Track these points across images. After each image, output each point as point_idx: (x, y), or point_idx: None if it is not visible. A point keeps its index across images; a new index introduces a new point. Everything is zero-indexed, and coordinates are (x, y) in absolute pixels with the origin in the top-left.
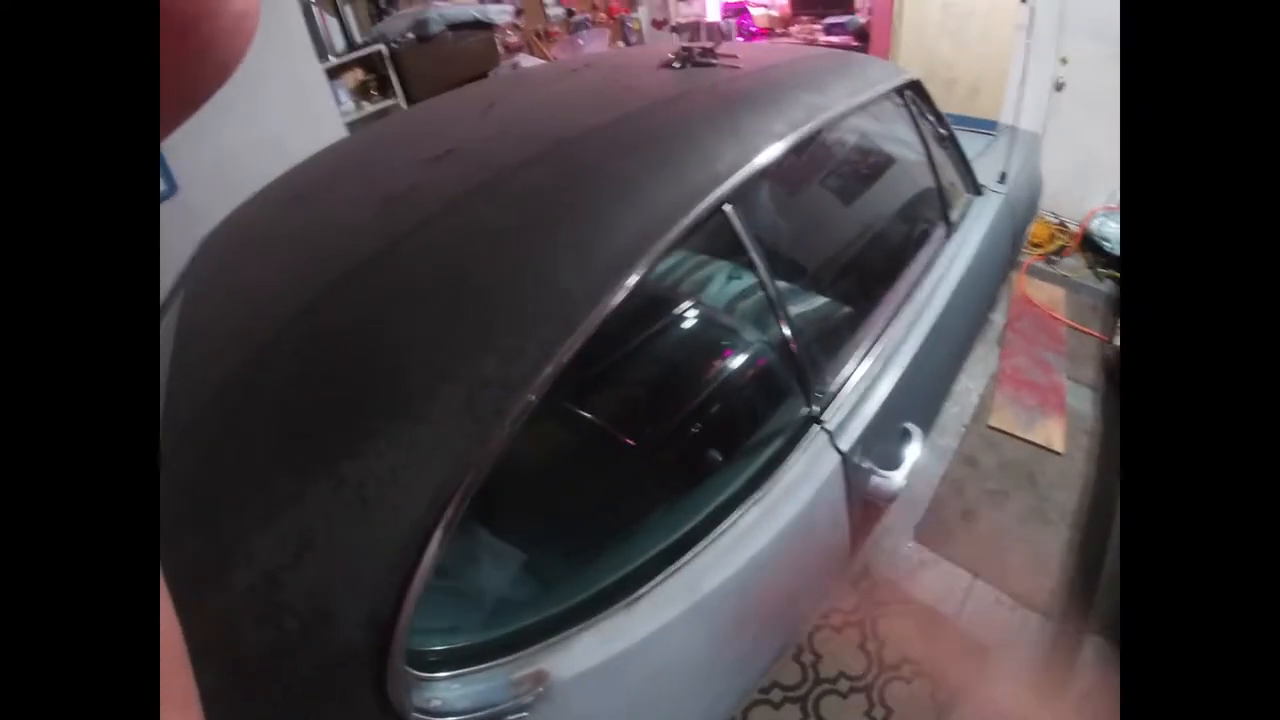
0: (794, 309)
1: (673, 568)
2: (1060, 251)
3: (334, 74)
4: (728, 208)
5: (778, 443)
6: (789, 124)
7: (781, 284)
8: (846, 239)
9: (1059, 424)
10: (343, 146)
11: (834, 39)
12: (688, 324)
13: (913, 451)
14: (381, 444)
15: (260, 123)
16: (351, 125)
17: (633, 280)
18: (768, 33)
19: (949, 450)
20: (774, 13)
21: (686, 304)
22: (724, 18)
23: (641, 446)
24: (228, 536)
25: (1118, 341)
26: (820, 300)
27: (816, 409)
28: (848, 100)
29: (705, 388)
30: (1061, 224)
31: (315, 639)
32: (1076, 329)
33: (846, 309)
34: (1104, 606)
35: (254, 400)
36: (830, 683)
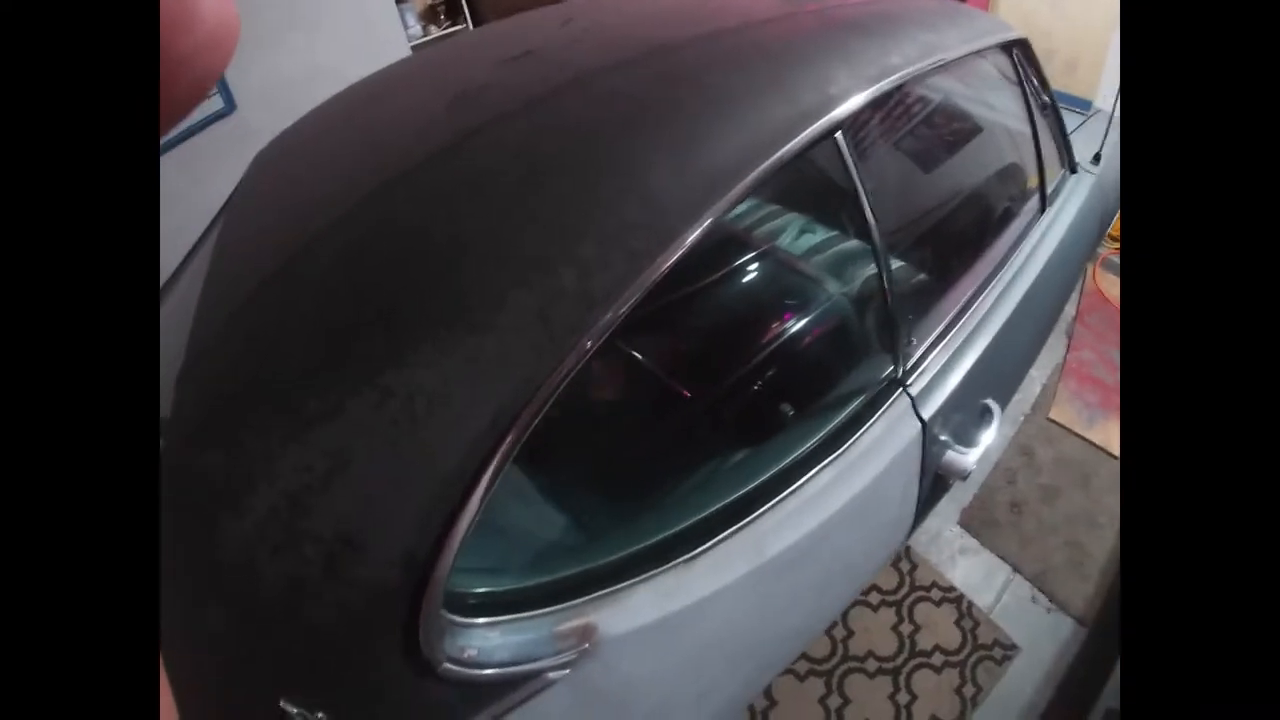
0: (894, 266)
1: (738, 525)
2: None
3: None
4: (839, 136)
5: (859, 402)
6: (904, 58)
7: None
8: (941, 198)
9: (1118, 427)
10: (407, 61)
11: None
12: (770, 269)
13: (990, 430)
14: (435, 353)
15: (322, 45)
16: (418, 49)
17: (734, 200)
18: None
19: (1006, 437)
20: None
21: (769, 248)
22: None
23: (712, 393)
24: (251, 453)
25: None
26: (912, 259)
27: (901, 371)
28: (962, 45)
29: (783, 338)
30: None
31: (340, 574)
32: None
33: (937, 272)
34: None
35: (293, 300)
36: (859, 661)
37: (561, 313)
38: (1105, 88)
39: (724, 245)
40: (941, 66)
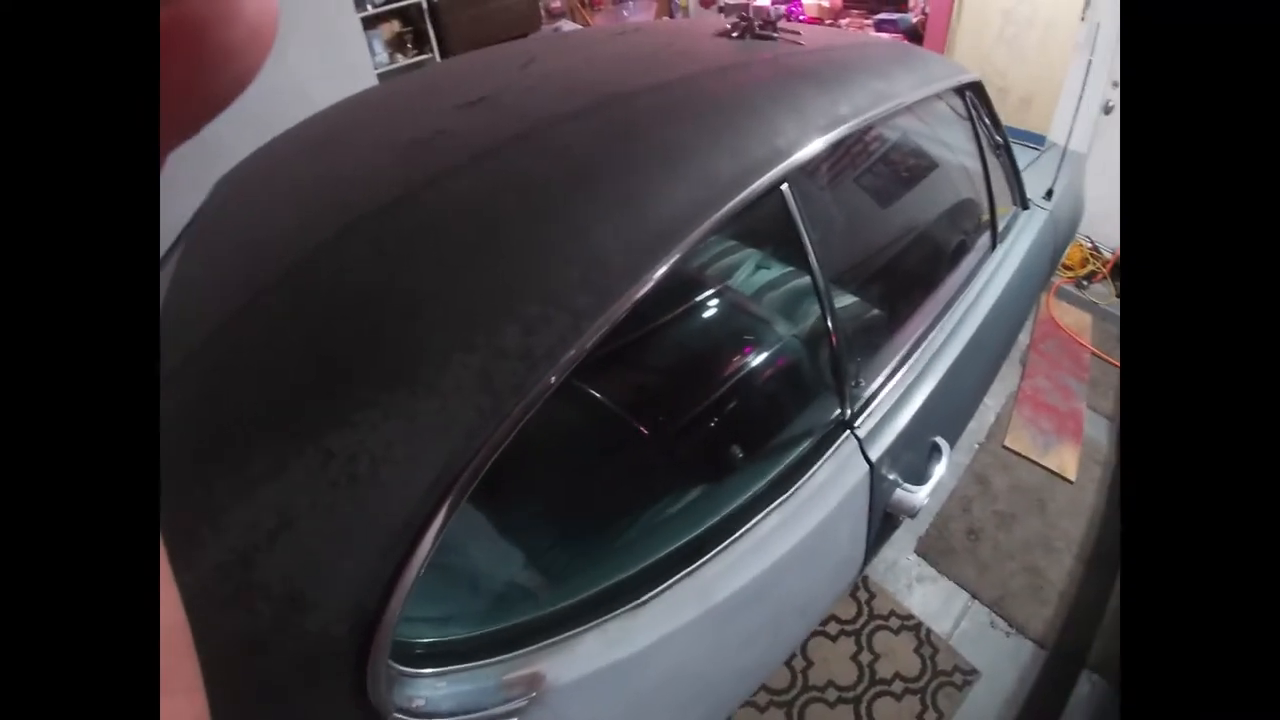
0: (839, 310)
1: (685, 571)
2: (1091, 277)
3: (371, 24)
4: (785, 187)
5: (806, 445)
6: (854, 108)
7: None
8: (891, 239)
9: (1074, 452)
10: (369, 93)
11: (884, 36)
12: (721, 310)
13: (939, 467)
14: (378, 415)
15: (289, 68)
16: (384, 77)
17: (678, 256)
18: (818, 23)
19: (961, 466)
20: (825, 3)
21: (721, 288)
22: (774, 3)
23: (660, 436)
24: (199, 508)
25: None
26: (860, 300)
27: (849, 413)
28: (913, 92)
29: (733, 379)
30: (1095, 249)
31: (289, 628)
32: (1101, 357)
33: (886, 312)
34: (1104, 643)
35: (239, 356)
36: (819, 691)
37: (504, 373)
38: (1059, 123)
39: (675, 285)
40: (894, 111)
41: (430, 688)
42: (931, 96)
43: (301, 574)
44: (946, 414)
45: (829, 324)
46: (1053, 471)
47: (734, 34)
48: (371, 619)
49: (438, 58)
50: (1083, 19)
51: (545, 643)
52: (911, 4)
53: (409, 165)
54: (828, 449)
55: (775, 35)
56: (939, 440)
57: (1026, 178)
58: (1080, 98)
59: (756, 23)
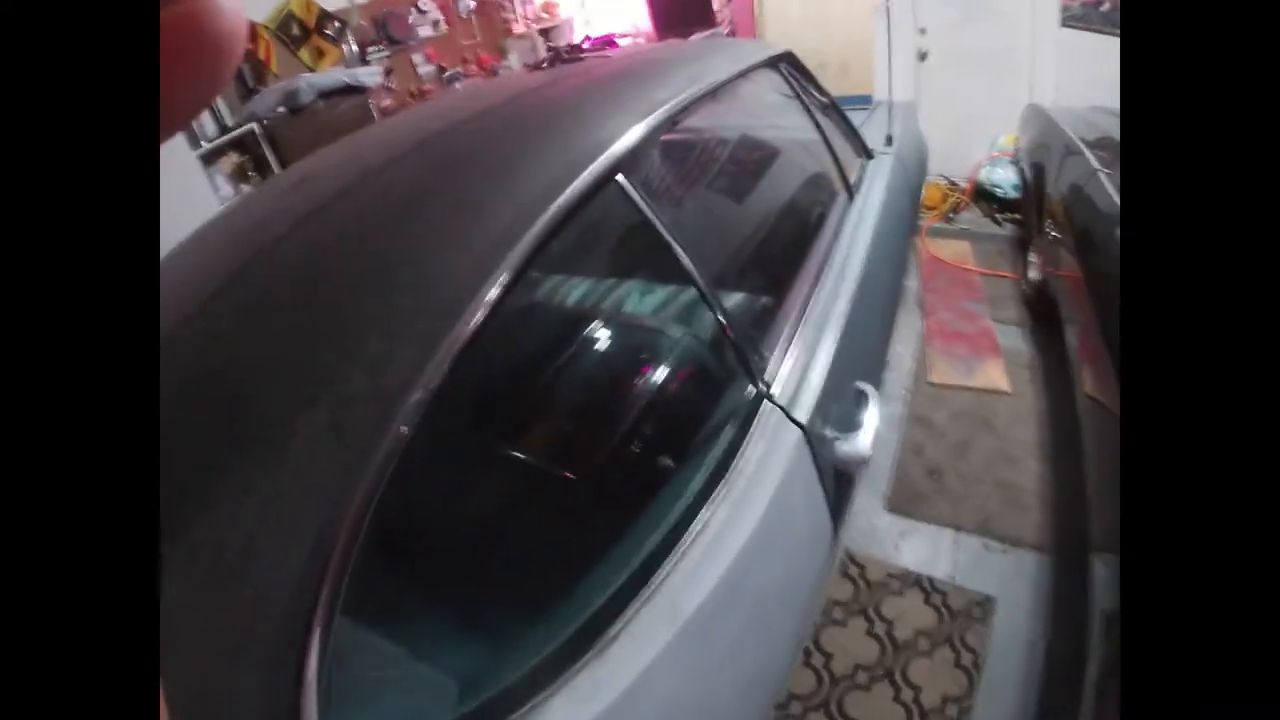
0: (718, 291)
1: (644, 595)
2: (956, 209)
3: (209, 160)
4: (621, 178)
5: (731, 430)
6: (672, 90)
7: (697, 270)
8: (752, 214)
9: (998, 364)
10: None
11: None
12: (608, 335)
13: (873, 411)
14: (233, 502)
15: None
16: None
17: (522, 257)
18: None
19: (899, 416)
20: (640, 40)
21: (603, 315)
22: (589, 41)
23: (583, 476)
24: None
25: (1032, 274)
26: (741, 280)
27: (764, 385)
28: (728, 69)
29: (640, 397)
30: (951, 183)
31: None
32: (989, 274)
33: (769, 284)
34: (1096, 522)
35: None
36: (848, 679)
37: (356, 419)
38: (879, 82)
39: (566, 328)
40: (714, 91)
41: None
42: (747, 71)
43: (199, 686)
44: (860, 359)
45: (712, 306)
46: (984, 390)
47: (544, 64)
48: None
49: None
50: None
51: None
52: (719, 19)
53: (238, 248)
54: (752, 424)
55: (583, 56)
56: (862, 384)
57: (865, 134)
58: (891, 54)
59: (564, 48)
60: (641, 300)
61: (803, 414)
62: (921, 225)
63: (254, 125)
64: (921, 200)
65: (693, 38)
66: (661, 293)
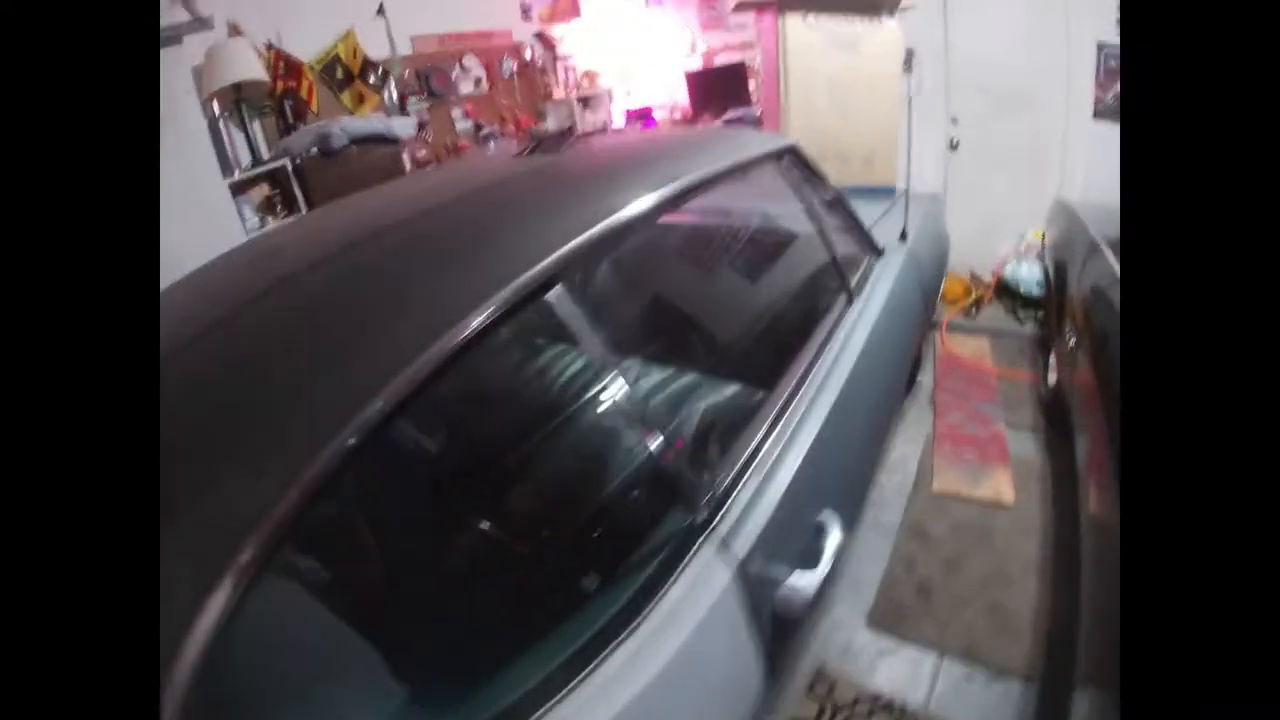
0: (671, 401)
1: None
2: (978, 304)
3: (242, 189)
4: (553, 292)
5: (654, 563)
6: (643, 188)
7: (656, 374)
8: (732, 318)
9: (1005, 475)
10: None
11: (712, 125)
12: (540, 447)
13: (830, 546)
14: None
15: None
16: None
17: (398, 393)
18: None
19: (894, 525)
20: (677, 115)
21: (537, 425)
22: (629, 123)
23: (496, 590)
24: None
25: (1050, 377)
26: (704, 388)
27: (702, 515)
28: (713, 164)
29: (567, 511)
30: (975, 277)
31: None
32: (1007, 374)
33: (735, 395)
34: (1087, 655)
35: None
36: None
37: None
38: (901, 173)
39: (493, 438)
40: (691, 190)
41: None
42: (739, 166)
43: None
44: (831, 484)
45: (653, 428)
46: (988, 501)
47: (526, 151)
48: None
49: None
50: (908, 71)
51: None
52: (755, 98)
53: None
54: (682, 559)
55: (563, 146)
56: (826, 516)
57: (885, 227)
58: (919, 144)
59: (549, 134)
60: (583, 413)
61: (743, 546)
62: (942, 319)
63: (286, 162)
64: (940, 295)
65: (703, 124)
66: (605, 404)
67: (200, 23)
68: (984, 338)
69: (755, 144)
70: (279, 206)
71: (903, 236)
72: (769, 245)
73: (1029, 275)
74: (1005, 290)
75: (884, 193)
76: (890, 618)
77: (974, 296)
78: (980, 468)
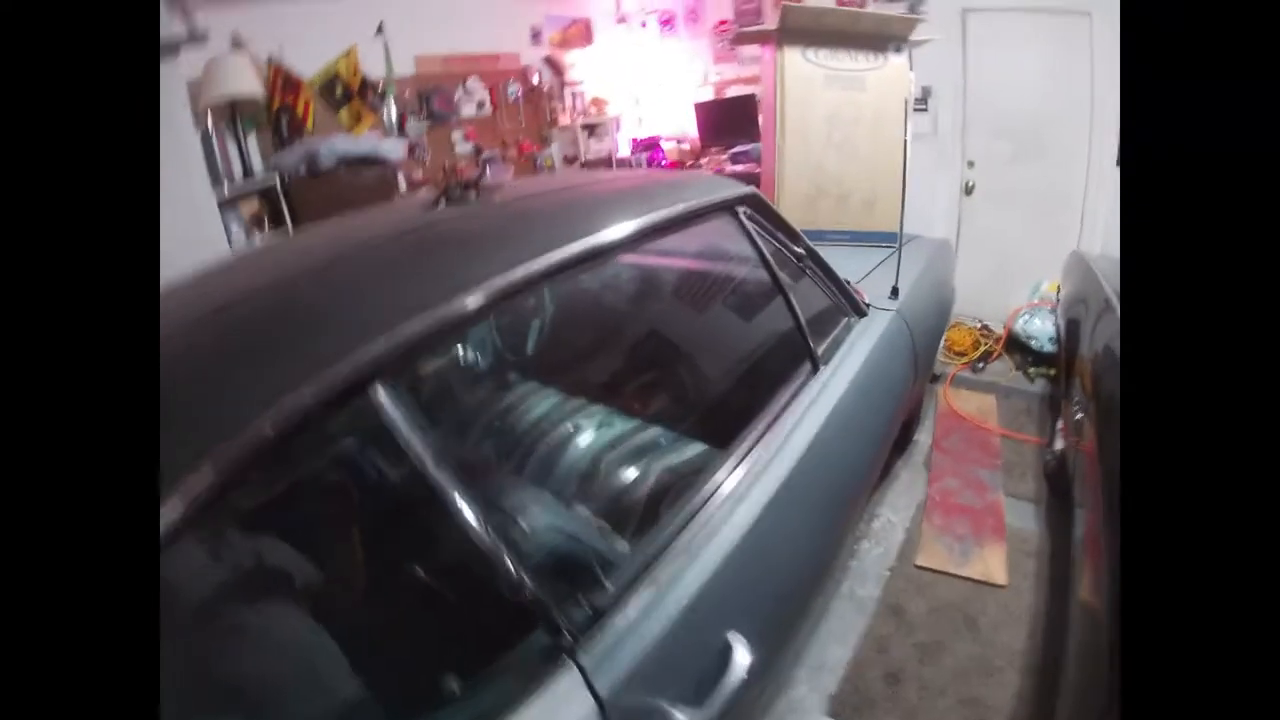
0: (541, 511)
1: None
2: (986, 357)
3: (233, 203)
4: (377, 390)
5: (520, 682)
6: (511, 261)
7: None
8: (656, 394)
9: (998, 551)
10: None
11: (739, 167)
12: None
13: (734, 676)
14: None
15: None
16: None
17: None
18: (677, 166)
19: (870, 600)
20: (685, 146)
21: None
22: (634, 153)
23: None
24: None
25: (1057, 443)
26: (595, 493)
27: (568, 639)
28: (643, 218)
29: (434, 608)
30: (985, 327)
31: None
32: (1011, 437)
33: (636, 494)
34: None
35: None
36: None
37: None
38: (908, 219)
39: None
40: (609, 249)
41: None
42: (681, 218)
43: None
44: (750, 599)
45: (504, 548)
46: (977, 581)
47: (436, 203)
48: None
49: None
50: (922, 109)
51: None
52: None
53: None
54: (535, 689)
55: (473, 197)
56: (733, 638)
57: (879, 276)
58: (933, 186)
59: (458, 184)
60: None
61: (608, 681)
62: (948, 372)
63: (275, 178)
64: (945, 347)
65: (708, 156)
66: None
67: (197, 38)
68: (990, 394)
69: (705, 191)
70: (266, 222)
71: (893, 294)
72: (713, 309)
73: (1041, 330)
74: (1016, 344)
75: (884, 238)
76: (852, 707)
77: (982, 349)
78: (972, 542)
